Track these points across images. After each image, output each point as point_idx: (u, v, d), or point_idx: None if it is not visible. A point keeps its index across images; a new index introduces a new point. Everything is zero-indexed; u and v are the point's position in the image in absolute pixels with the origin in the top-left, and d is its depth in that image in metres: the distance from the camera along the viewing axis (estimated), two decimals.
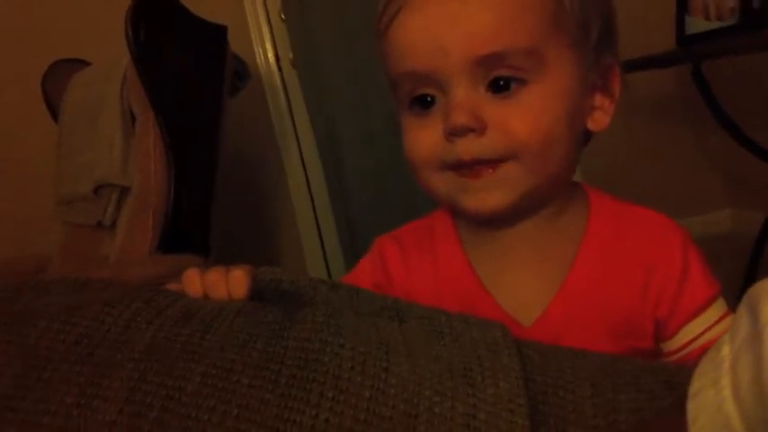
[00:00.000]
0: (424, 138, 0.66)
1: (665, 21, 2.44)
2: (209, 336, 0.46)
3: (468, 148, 0.63)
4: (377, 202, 2.69)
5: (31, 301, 0.48)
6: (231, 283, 0.56)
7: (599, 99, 0.71)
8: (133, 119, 1.90)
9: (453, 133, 0.63)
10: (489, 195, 0.65)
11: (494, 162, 0.64)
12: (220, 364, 0.44)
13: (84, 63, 2.23)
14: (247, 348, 0.46)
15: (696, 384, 0.38)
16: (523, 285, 0.72)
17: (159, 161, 1.82)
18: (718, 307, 0.71)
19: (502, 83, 0.63)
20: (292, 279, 0.55)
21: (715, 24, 2.25)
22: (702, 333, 0.70)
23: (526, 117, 0.63)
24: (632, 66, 2.32)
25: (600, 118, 0.72)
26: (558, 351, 0.54)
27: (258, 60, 2.74)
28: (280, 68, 2.77)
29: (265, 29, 2.73)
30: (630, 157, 2.96)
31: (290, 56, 2.74)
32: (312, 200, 2.86)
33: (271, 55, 2.76)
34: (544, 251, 0.72)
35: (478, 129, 0.62)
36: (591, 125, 0.71)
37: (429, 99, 0.66)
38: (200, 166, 1.92)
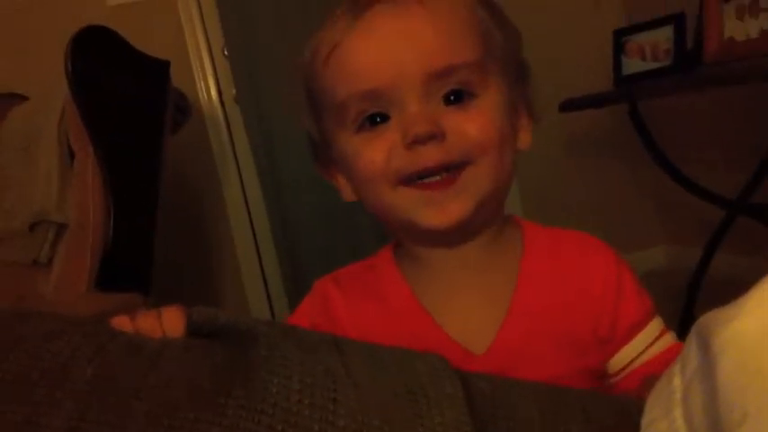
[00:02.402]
0: (378, 152, 0.68)
1: (603, 62, 2.51)
2: (154, 373, 0.45)
3: (429, 155, 0.66)
4: (322, 239, 2.67)
5: None
6: (166, 323, 0.56)
7: (523, 120, 0.76)
8: (72, 154, 1.87)
9: (416, 141, 0.66)
10: (451, 206, 0.68)
11: (455, 168, 0.67)
12: (166, 400, 0.43)
13: (21, 97, 2.19)
14: (194, 384, 0.44)
15: (649, 415, 0.38)
16: (471, 314, 0.73)
17: (97, 197, 1.79)
18: (657, 323, 0.75)
19: (453, 97, 0.67)
20: (229, 317, 0.54)
21: (650, 65, 2.32)
22: (644, 350, 0.73)
23: (480, 122, 0.67)
24: (572, 105, 2.38)
25: (524, 138, 0.76)
26: (507, 383, 0.54)
27: (200, 96, 2.72)
28: (222, 104, 2.76)
29: (208, 64, 2.73)
30: (568, 194, 3.02)
31: (233, 92, 2.73)
32: (255, 238, 2.83)
33: (213, 91, 2.74)
34: (486, 278, 0.74)
35: (439, 135, 0.66)
36: (519, 144, 0.75)
37: (380, 118, 0.69)
38: (141, 202, 1.89)
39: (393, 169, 0.68)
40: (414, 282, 0.76)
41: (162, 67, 1.96)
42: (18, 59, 2.46)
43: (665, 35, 2.29)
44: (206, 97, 2.74)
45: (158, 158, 1.93)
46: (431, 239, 0.73)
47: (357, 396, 0.46)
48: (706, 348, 0.35)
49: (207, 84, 2.74)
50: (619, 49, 2.45)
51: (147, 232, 1.90)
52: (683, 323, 2.10)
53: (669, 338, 0.74)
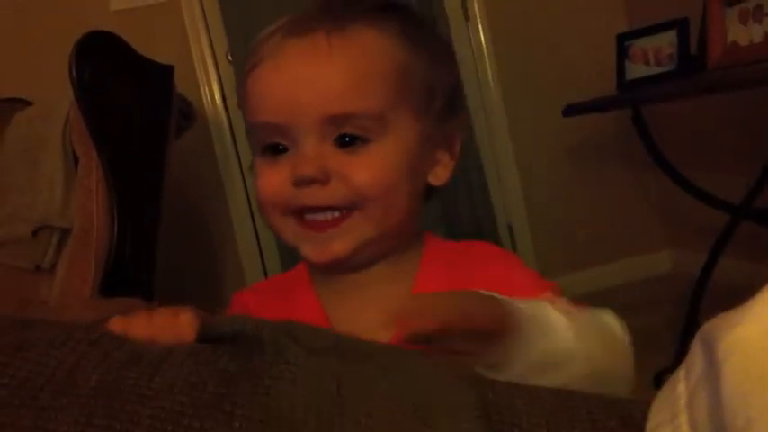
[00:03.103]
0: (272, 182, 0.73)
1: (607, 66, 2.51)
2: (158, 378, 0.45)
3: (313, 196, 0.70)
4: None
5: None
6: (180, 327, 0.57)
7: (441, 156, 0.78)
8: (76, 160, 1.87)
9: (300, 182, 0.70)
10: (330, 245, 0.72)
11: (337, 209, 0.71)
12: (170, 406, 0.43)
13: (25, 102, 2.20)
14: (198, 390, 0.44)
15: (654, 420, 0.38)
16: (368, 327, 0.75)
17: (101, 202, 1.79)
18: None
19: (348, 139, 0.71)
20: (236, 322, 0.54)
21: (654, 70, 2.33)
22: None
23: (367, 170, 0.70)
24: (575, 110, 2.38)
25: (440, 173, 0.79)
26: (512, 387, 0.54)
27: (204, 101, 2.73)
28: (226, 109, 2.76)
29: (212, 69, 2.73)
30: (572, 199, 3.02)
31: (237, 97, 2.74)
32: (258, 243, 2.84)
33: (217, 96, 2.75)
34: (386, 294, 0.77)
35: (322, 179, 0.70)
36: (432, 180, 0.78)
37: (281, 147, 0.73)
38: (145, 207, 1.90)
39: (281, 200, 0.73)
40: (323, 296, 0.80)
41: (166, 72, 1.97)
42: (22, 64, 2.47)
43: (668, 40, 2.29)
44: (210, 102, 2.75)
45: (162, 164, 1.93)
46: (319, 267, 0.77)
47: (365, 403, 0.46)
48: (710, 354, 0.35)
49: (211, 89, 2.75)
50: (622, 53, 2.45)
51: (151, 238, 1.90)
52: (687, 328, 2.10)
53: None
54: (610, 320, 0.68)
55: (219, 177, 2.78)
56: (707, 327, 0.37)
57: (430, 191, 0.80)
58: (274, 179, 0.72)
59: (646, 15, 2.57)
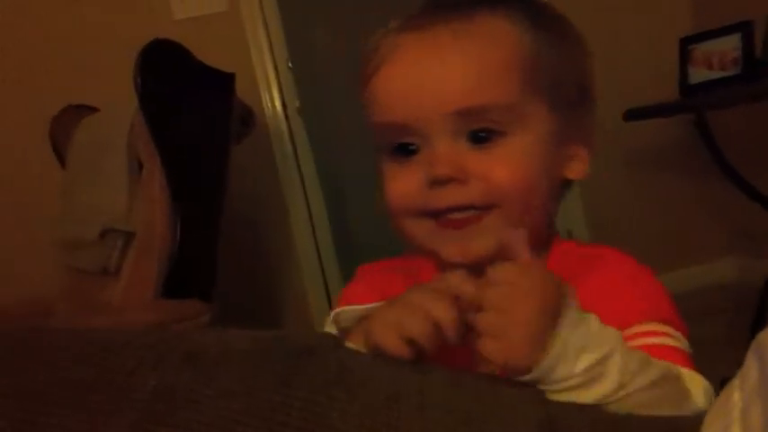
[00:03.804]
0: (405, 184, 0.70)
1: (669, 71, 2.46)
2: (214, 383, 0.45)
3: (452, 196, 0.67)
4: (387, 249, 2.68)
5: (34, 346, 0.48)
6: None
7: (575, 150, 0.74)
8: (140, 165, 1.91)
9: (436, 182, 0.67)
10: (471, 243, 0.68)
11: (476, 209, 0.67)
12: (225, 414, 0.43)
13: (92, 109, 2.25)
14: (253, 397, 0.44)
15: (708, 430, 0.37)
16: None
17: (164, 207, 1.83)
18: (658, 326, 0.67)
19: (483, 134, 0.67)
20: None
21: (717, 74, 2.27)
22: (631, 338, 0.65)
23: (507, 166, 0.67)
24: (636, 115, 2.34)
25: (577, 167, 0.74)
26: (574, 408, 0.53)
27: (265, 107, 2.76)
28: (286, 116, 2.79)
29: (272, 76, 2.76)
30: (634, 206, 2.97)
31: (297, 103, 2.76)
32: (317, 247, 2.85)
33: (278, 102, 2.78)
34: None
35: (461, 178, 0.66)
36: (569, 174, 0.74)
37: (412, 148, 0.70)
38: (206, 212, 1.92)
39: (417, 203, 0.69)
40: None
41: (227, 79, 2.00)
42: (88, 72, 2.53)
43: (732, 43, 2.24)
44: (270, 108, 2.78)
45: (223, 169, 1.96)
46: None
47: (422, 420, 0.45)
48: (764, 365, 0.34)
49: (271, 95, 2.77)
50: (685, 58, 2.40)
51: (212, 241, 1.93)
52: (752, 338, 2.04)
53: (663, 341, 0.66)
54: (685, 384, 0.58)
55: (278, 184, 2.81)
56: (761, 338, 0.36)
57: (566, 184, 0.76)
58: (408, 181, 0.69)
59: (708, 19, 2.51)
